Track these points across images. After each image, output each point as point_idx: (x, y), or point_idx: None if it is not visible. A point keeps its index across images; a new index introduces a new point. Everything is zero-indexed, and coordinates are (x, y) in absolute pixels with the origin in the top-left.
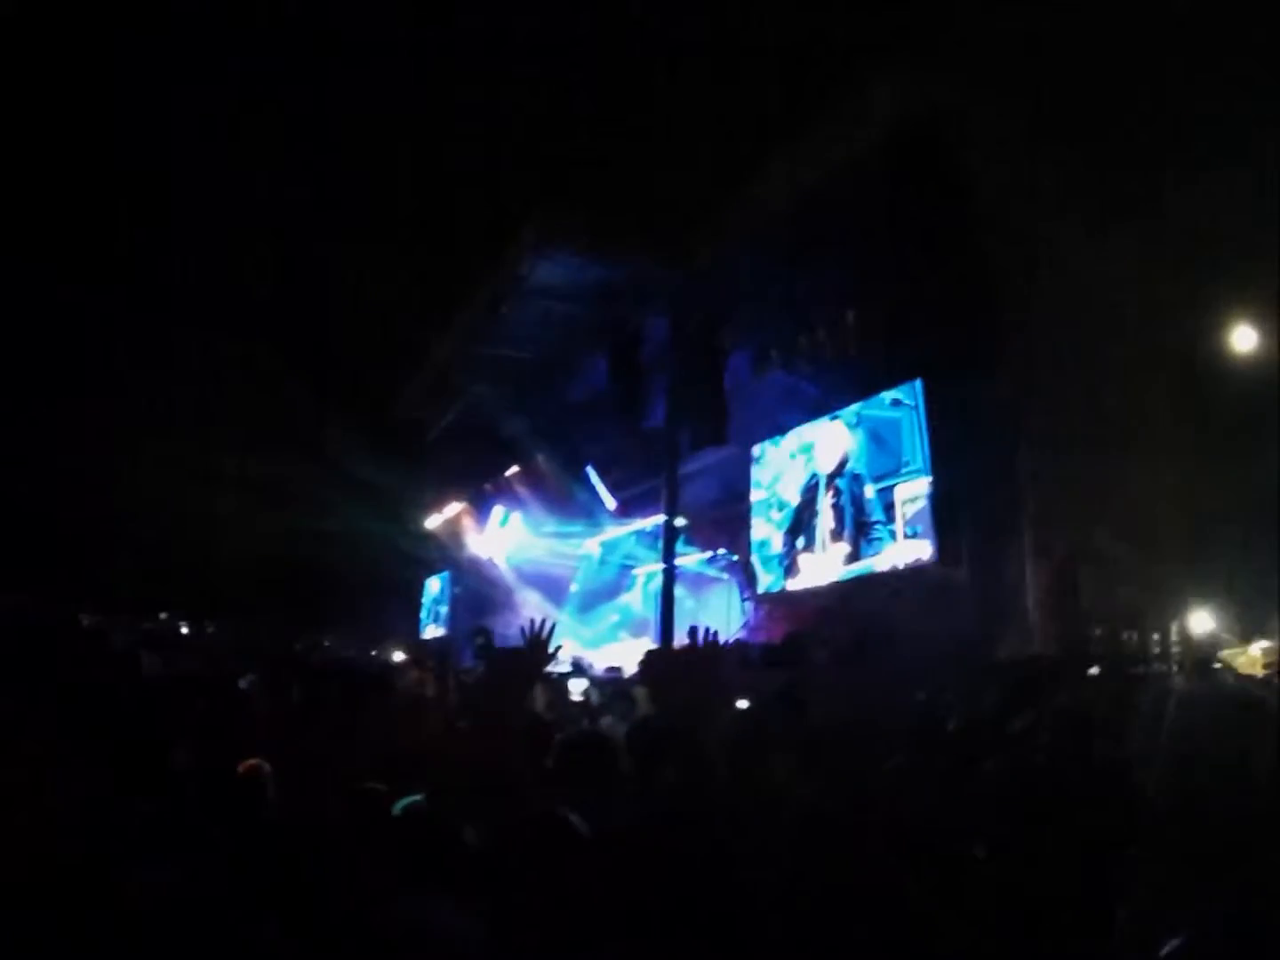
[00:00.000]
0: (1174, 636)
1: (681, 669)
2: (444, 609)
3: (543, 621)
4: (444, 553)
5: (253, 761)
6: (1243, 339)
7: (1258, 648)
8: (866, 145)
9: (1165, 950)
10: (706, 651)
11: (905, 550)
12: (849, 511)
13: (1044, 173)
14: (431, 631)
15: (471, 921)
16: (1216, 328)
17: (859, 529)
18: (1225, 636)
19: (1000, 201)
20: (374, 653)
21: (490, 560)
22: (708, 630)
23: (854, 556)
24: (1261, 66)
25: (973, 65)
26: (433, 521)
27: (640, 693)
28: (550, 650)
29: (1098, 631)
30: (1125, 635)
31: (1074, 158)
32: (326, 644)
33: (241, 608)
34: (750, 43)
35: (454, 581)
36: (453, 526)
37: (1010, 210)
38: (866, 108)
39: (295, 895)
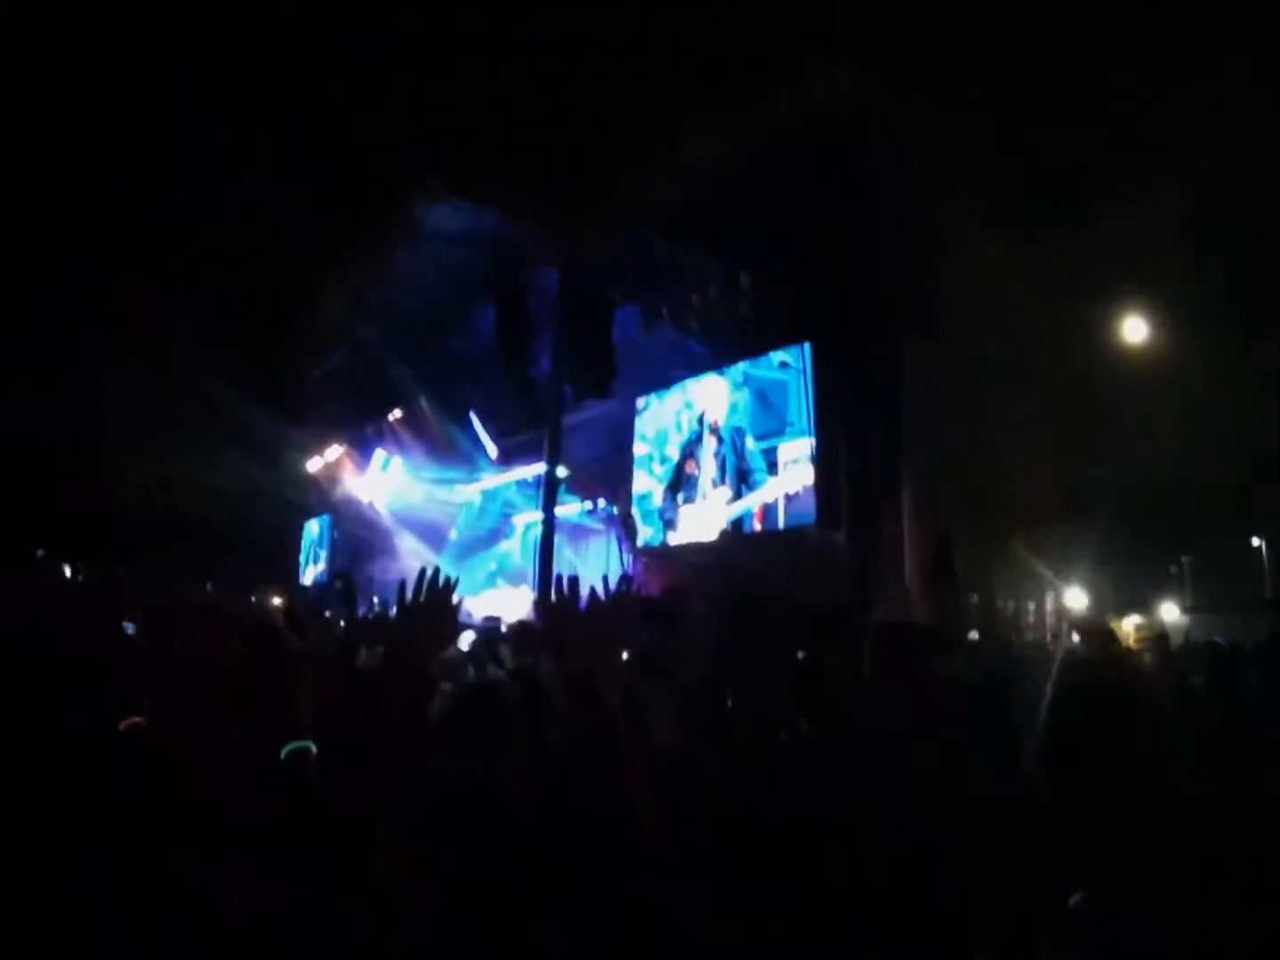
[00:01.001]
0: (1049, 607)
1: (588, 623)
2: (323, 552)
3: (446, 578)
4: (324, 496)
5: (135, 719)
6: (1133, 329)
7: (1130, 622)
8: (774, 121)
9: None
10: (614, 605)
11: (787, 480)
12: (730, 460)
13: (947, 164)
14: (311, 574)
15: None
16: (1101, 317)
17: (740, 476)
18: (1100, 609)
19: (901, 185)
20: (252, 599)
21: (370, 504)
22: (624, 579)
23: (736, 497)
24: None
25: (898, 59)
26: (313, 464)
27: (506, 651)
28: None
29: (974, 599)
30: (1001, 604)
31: (977, 154)
32: (208, 589)
33: (114, 552)
34: (665, 19)
35: (333, 525)
36: (333, 469)
37: (911, 194)
38: (779, 88)
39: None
